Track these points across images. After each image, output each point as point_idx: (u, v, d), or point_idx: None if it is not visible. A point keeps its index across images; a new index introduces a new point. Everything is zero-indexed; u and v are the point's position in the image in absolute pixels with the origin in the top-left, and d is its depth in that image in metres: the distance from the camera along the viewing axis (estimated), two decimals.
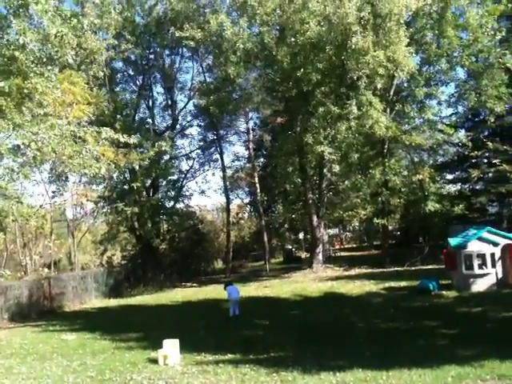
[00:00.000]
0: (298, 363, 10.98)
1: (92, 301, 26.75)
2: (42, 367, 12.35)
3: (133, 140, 15.71)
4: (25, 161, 13.62)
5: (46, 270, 31.12)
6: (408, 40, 26.58)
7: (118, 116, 31.89)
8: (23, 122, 11.67)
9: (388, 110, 30.45)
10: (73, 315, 22.79)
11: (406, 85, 32.72)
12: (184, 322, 17.58)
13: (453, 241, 20.76)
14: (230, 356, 12.38)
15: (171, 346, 12.21)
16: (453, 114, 34.67)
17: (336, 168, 29.47)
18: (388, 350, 11.78)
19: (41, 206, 28.83)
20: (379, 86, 27.90)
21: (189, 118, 39.13)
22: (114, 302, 26.13)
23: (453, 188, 38.46)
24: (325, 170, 31.75)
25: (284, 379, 10.00)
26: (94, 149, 12.95)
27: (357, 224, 51.74)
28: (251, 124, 42.24)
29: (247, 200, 47.63)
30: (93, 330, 17.14)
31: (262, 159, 44.36)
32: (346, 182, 32.68)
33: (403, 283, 22.85)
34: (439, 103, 33.03)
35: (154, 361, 12.14)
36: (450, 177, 37.51)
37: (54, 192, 31.92)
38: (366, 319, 16.26)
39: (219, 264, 43.88)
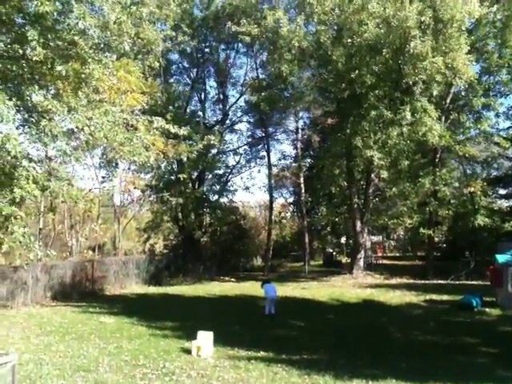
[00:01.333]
0: (330, 368, 10.84)
1: (132, 286, 27.22)
2: (79, 347, 12.68)
3: (183, 132, 15.88)
4: (77, 144, 13.93)
5: (90, 252, 32.06)
6: (469, 48, 25.75)
7: (170, 107, 32.24)
8: (78, 107, 11.88)
9: (443, 119, 29.65)
10: (113, 299, 23.25)
11: (463, 93, 31.80)
12: (219, 316, 17.64)
13: (501, 257, 20.06)
14: (262, 353, 12.34)
15: (205, 337, 12.29)
16: (510, 126, 33.50)
17: (384, 174, 28.85)
18: (424, 364, 11.44)
19: (90, 190, 29.66)
20: (435, 92, 27.23)
21: (239, 114, 39.19)
22: (153, 290, 26.54)
23: (505, 203, 37.21)
24: (372, 175, 31.22)
25: (315, 382, 9.90)
26: (145, 137, 13.06)
27: (402, 233, 50.76)
28: (301, 123, 42.09)
29: (291, 199, 47.51)
30: (131, 315, 17.48)
31: (308, 159, 43.99)
32: (394, 189, 31.87)
33: (445, 297, 22.23)
34: (497, 115, 32.04)
35: (188, 351, 12.25)
36: (502, 192, 36.30)
37: (103, 177, 32.85)
38: (403, 330, 15.87)
39: (258, 261, 43.85)
